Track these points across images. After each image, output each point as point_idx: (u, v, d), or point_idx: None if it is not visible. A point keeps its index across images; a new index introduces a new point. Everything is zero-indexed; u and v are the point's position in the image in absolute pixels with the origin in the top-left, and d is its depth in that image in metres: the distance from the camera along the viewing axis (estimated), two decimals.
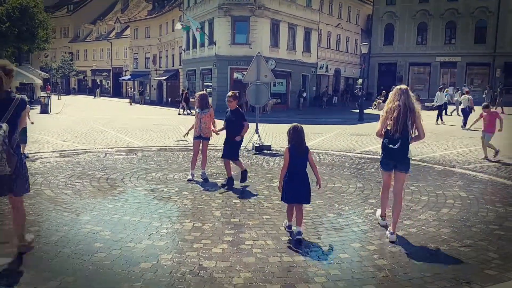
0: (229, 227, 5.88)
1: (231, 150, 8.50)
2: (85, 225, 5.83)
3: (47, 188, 7.76)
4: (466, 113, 21.44)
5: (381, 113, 5.88)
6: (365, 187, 8.50)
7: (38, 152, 12.00)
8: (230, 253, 5.00)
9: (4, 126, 4.26)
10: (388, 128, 5.62)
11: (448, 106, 27.10)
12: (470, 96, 21.85)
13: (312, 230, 5.87)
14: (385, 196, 6.11)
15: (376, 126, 5.85)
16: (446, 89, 29.13)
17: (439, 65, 48.25)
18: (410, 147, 5.79)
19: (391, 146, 5.63)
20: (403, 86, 5.82)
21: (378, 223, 6.22)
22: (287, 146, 5.63)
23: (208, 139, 8.94)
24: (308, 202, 5.66)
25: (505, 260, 5.00)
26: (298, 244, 5.33)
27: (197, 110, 8.93)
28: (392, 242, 5.50)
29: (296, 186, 5.50)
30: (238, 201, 7.22)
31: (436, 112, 24.66)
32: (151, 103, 51.01)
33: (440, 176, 9.79)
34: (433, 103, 26.48)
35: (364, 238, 5.66)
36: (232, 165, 8.65)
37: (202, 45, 38.71)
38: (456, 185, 8.85)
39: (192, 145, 9.29)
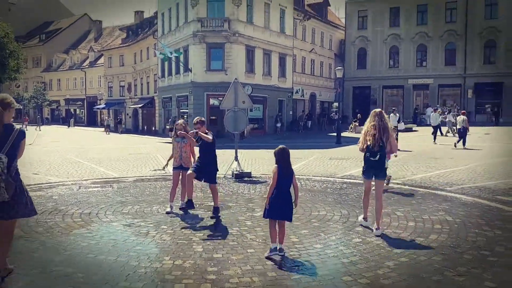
0: (212, 264, 5.53)
1: (206, 173, 8.04)
2: (56, 267, 5.40)
3: (15, 227, 7.28)
4: (461, 133, 22.34)
5: (361, 132, 7.19)
6: (350, 214, 8.25)
7: None
8: None
9: (3, 157, 4.64)
10: (368, 143, 6.93)
11: (441, 127, 27.97)
12: (465, 117, 22.45)
13: (300, 264, 5.57)
14: (366, 200, 7.33)
15: (356, 147, 7.08)
16: (439, 110, 30.08)
17: (412, 87, 49.16)
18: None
19: (372, 158, 6.96)
20: (377, 110, 7.30)
21: (361, 225, 7.30)
22: (275, 166, 5.88)
23: (188, 169, 8.61)
24: (290, 220, 5.92)
25: None
26: (280, 261, 5.58)
27: (177, 139, 8.63)
28: (377, 236, 6.69)
29: (281, 205, 5.74)
30: (220, 233, 6.89)
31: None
32: (127, 131, 50.30)
33: (424, 200, 9.64)
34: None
35: (354, 270, 5.38)
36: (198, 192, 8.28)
37: (178, 72, 38.62)
38: (441, 209, 8.70)
39: (171, 175, 8.94)
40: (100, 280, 4.96)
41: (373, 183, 7.21)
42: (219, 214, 7.97)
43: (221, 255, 5.89)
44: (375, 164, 6.92)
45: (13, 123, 5.01)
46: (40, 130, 47.85)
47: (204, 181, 8.25)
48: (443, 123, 30.46)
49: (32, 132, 39.90)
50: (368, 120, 7.18)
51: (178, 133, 8.47)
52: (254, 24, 37.26)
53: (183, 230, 7.13)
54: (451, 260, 5.71)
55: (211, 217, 7.86)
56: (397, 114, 21.65)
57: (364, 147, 7.02)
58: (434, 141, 25.25)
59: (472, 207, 9.00)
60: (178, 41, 38.19)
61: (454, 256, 5.87)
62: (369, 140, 6.91)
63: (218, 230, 7.07)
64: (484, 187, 11.24)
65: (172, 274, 5.18)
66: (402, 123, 25.31)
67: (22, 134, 4.90)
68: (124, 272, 5.23)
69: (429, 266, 5.50)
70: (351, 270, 5.38)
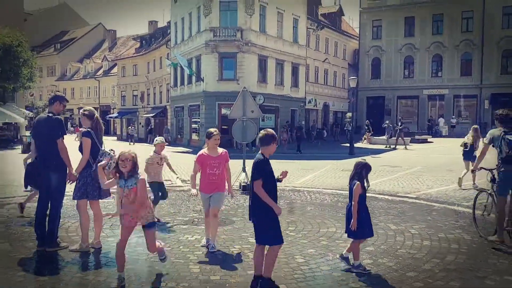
0: (208, 287, 5.08)
1: (269, 227, 4.98)
2: None
3: (5, 241, 6.92)
4: None
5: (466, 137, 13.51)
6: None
7: (8, 197, 11.13)
8: None
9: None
10: (466, 142, 13.27)
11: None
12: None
13: None
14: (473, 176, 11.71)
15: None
16: None
17: (427, 98, 48.40)
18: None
19: (465, 149, 13.19)
20: (475, 126, 13.81)
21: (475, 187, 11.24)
22: (358, 182, 5.76)
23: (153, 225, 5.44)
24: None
25: None
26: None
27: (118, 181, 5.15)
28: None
29: (364, 223, 5.73)
30: (220, 252, 6.42)
31: None
32: (139, 140, 49.98)
33: (440, 216, 9.10)
34: None
35: None
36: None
37: (190, 81, 38.43)
38: (458, 226, 8.17)
39: (177, 186, 8.44)
40: None
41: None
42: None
43: (219, 277, 5.43)
44: (466, 152, 13.15)
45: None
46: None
47: None
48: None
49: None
50: (470, 132, 13.41)
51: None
52: (267, 34, 36.95)
53: (181, 247, 6.68)
54: (472, 287, 5.19)
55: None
56: None
57: (464, 145, 13.24)
58: None
59: (492, 225, 8.42)
60: (190, 50, 38.03)
61: (474, 282, 5.36)
62: (468, 140, 13.20)
63: (218, 249, 6.57)
64: None
65: None
66: None
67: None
68: None
69: None
70: None
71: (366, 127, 38.20)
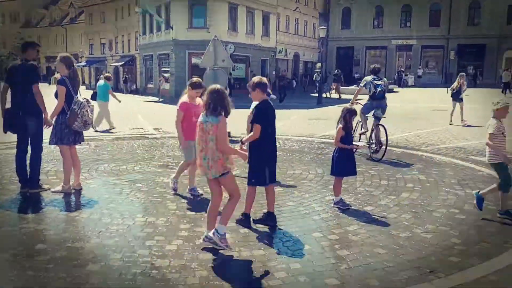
0: (185, 221, 5.56)
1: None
2: (26, 224, 5.40)
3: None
4: None
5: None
6: (325, 172, 8.30)
7: None
8: (185, 249, 4.70)
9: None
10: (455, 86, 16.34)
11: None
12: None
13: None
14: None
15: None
16: None
17: (395, 48, 49.04)
18: None
19: (452, 92, 16.44)
20: (462, 73, 17.22)
21: None
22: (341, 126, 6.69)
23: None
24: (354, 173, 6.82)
25: (467, 245, 4.94)
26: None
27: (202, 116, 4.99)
28: None
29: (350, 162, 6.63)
30: (195, 192, 6.89)
31: None
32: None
33: (399, 159, 9.77)
34: None
35: (325, 227, 5.49)
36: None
37: (159, 29, 37.80)
38: (415, 168, 8.85)
39: (150, 134, 8.79)
40: (71, 237, 4.96)
41: None
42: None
43: (194, 212, 5.92)
44: (454, 94, 16.07)
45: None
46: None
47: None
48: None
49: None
50: (457, 78, 16.37)
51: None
52: None
53: (157, 188, 7.12)
54: (421, 218, 5.84)
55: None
56: None
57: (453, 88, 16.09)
58: None
59: (445, 166, 9.16)
60: None
61: (423, 214, 6.01)
62: (456, 84, 16.16)
63: (194, 189, 7.04)
64: (459, 147, 11.42)
65: (144, 231, 5.21)
66: None
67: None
68: (96, 229, 5.24)
69: (398, 224, 5.62)
70: (321, 227, 5.49)
71: (334, 77, 38.67)
